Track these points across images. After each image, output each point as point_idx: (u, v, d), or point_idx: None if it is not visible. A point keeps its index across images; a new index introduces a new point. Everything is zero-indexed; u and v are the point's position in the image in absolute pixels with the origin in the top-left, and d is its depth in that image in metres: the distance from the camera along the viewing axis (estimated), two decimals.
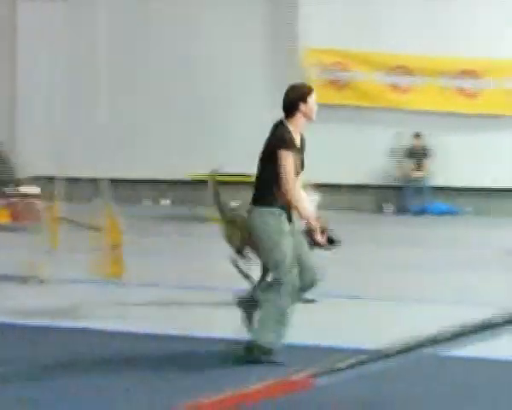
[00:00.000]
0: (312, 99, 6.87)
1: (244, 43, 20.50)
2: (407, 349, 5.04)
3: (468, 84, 19.43)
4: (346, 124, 19.90)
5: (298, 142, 6.82)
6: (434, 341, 5.07)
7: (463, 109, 19.05)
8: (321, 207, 20.17)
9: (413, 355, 5.11)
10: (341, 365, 4.88)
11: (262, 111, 20.22)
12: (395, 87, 19.92)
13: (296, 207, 6.67)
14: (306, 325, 7.57)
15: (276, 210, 6.71)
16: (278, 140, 6.73)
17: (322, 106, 22.91)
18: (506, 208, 17.19)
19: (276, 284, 6.57)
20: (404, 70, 19.78)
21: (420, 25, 19.46)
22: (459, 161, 18.95)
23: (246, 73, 20.45)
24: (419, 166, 19.79)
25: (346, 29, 19.79)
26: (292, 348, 6.73)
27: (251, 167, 19.97)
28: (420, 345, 5.08)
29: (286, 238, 6.64)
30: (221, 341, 7.26)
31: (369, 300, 9.49)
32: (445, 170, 19.24)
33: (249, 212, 6.92)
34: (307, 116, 6.86)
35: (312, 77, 19.74)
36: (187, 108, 20.82)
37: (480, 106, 19.38)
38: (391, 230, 17.20)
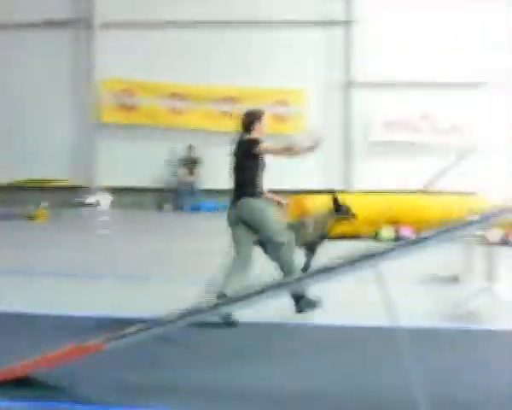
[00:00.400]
0: (264, 120, 7.51)
1: (52, 72, 20.73)
2: (185, 316, 5.17)
3: (228, 107, 19.95)
4: (133, 139, 20.44)
5: None
6: (206, 310, 5.39)
7: (224, 128, 18.53)
8: (113, 205, 20.92)
9: (189, 321, 5.29)
10: (127, 332, 5.06)
11: (68, 129, 20.67)
12: (172, 110, 20.46)
13: (292, 150, 7.34)
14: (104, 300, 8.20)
15: (264, 199, 7.50)
16: (250, 144, 7.38)
17: (113, 125, 23.78)
18: None
19: (281, 243, 7.29)
20: (179, 96, 20.39)
21: (191, 61, 20.22)
22: (223, 168, 19.54)
23: (54, 98, 20.63)
24: (191, 173, 20.37)
25: (134, 62, 20.25)
26: (91, 320, 7.16)
27: (56, 173, 20.19)
28: (194, 313, 5.26)
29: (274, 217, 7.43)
30: (35, 316, 7.38)
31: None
32: (212, 175, 19.57)
33: (242, 204, 7.37)
34: (261, 132, 7.47)
35: (106, 101, 20.53)
36: (4, 121, 20.75)
37: (238, 125, 20.10)
38: (169, 224, 17.84)
